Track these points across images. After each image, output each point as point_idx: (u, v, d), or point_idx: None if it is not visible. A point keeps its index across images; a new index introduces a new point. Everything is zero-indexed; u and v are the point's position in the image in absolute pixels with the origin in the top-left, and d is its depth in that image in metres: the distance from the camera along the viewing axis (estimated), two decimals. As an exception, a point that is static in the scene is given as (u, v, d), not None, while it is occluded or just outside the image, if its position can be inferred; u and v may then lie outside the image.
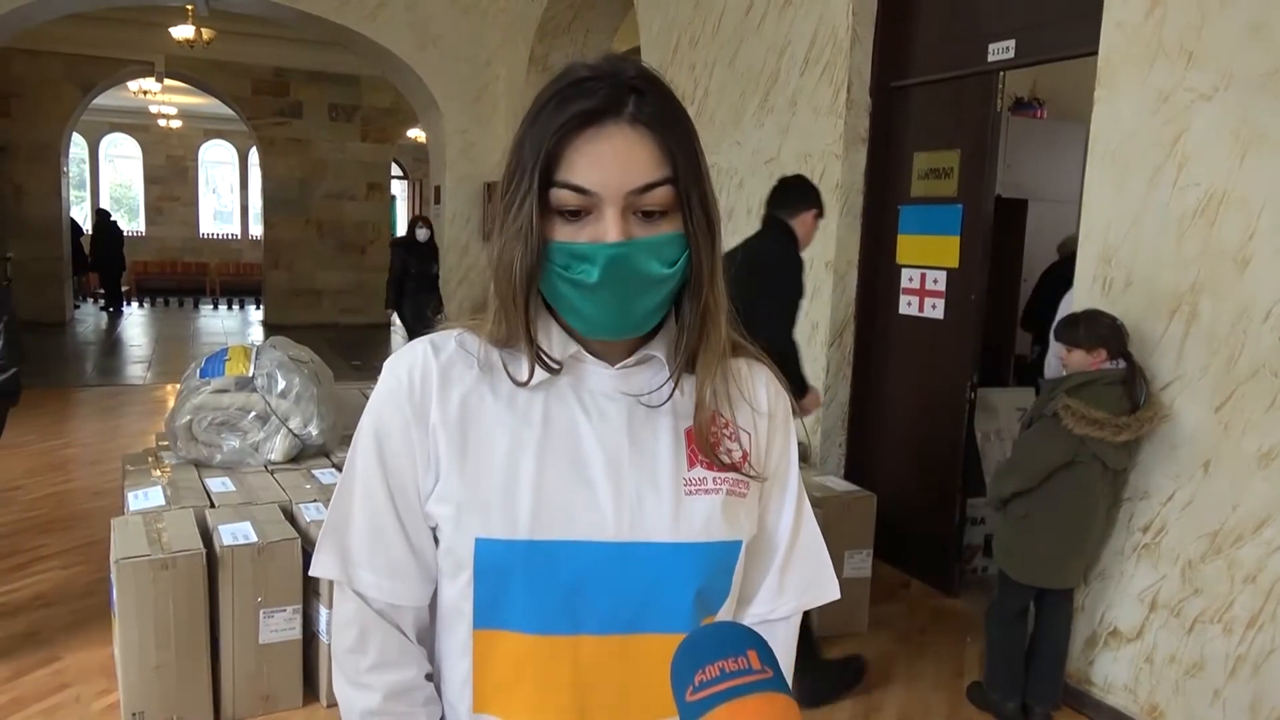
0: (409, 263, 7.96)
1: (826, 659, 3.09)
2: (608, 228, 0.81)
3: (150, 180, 18.81)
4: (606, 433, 0.88)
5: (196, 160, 19.12)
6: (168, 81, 12.53)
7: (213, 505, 3.02)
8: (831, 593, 1.01)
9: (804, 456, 4.16)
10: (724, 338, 0.90)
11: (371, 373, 0.95)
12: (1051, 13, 3.36)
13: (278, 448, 3.43)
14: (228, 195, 20.19)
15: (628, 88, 0.82)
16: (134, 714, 2.62)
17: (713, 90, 4.97)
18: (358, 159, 12.88)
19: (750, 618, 0.98)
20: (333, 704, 2.75)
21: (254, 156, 15.12)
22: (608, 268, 0.81)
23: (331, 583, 0.94)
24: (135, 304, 15.73)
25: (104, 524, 3.28)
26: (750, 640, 0.66)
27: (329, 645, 2.41)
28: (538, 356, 0.87)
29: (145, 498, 3.03)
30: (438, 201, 8.82)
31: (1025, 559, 2.82)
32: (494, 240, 0.86)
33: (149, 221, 18.83)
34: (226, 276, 17.88)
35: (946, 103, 3.88)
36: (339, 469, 0.87)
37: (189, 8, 8.76)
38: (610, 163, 0.81)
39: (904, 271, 4.09)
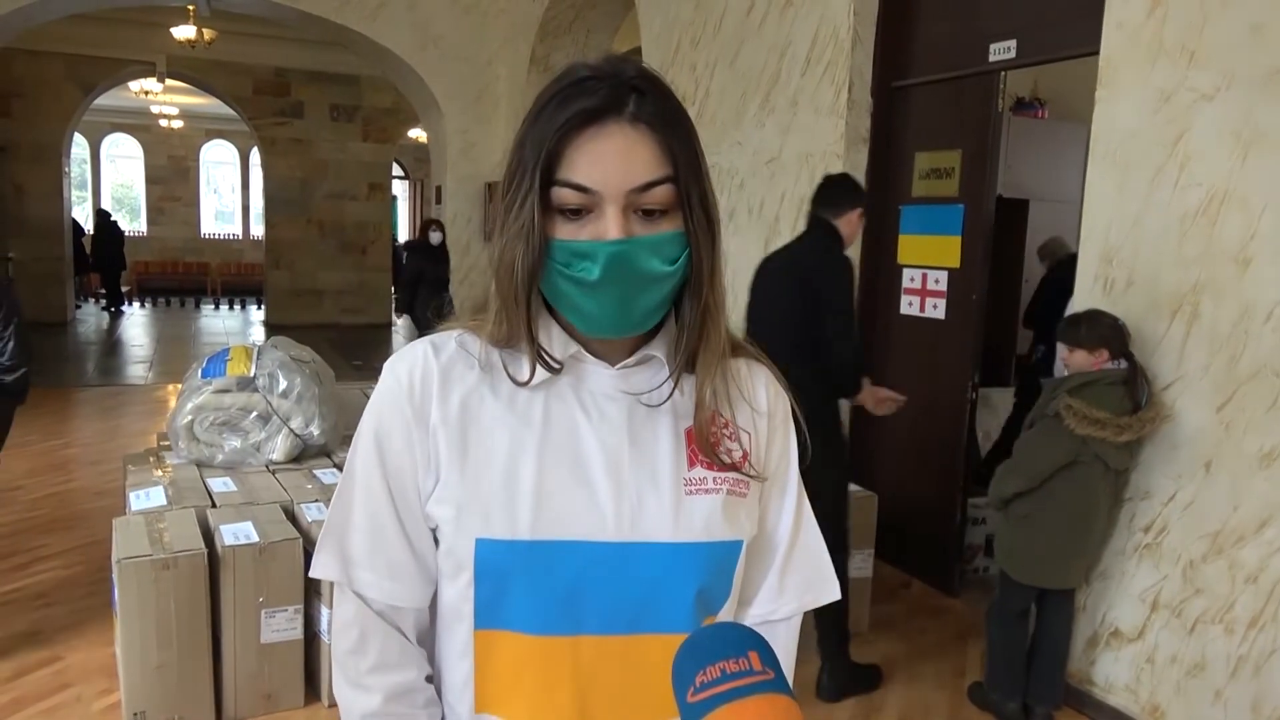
0: (424, 268, 7.87)
1: (852, 660, 3.10)
2: (608, 225, 0.81)
3: (151, 180, 18.82)
4: (606, 433, 0.88)
5: (198, 160, 19.13)
6: (169, 82, 12.53)
7: (214, 505, 3.02)
8: (832, 593, 1.01)
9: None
10: (724, 337, 0.91)
11: (372, 373, 0.95)
12: (1053, 13, 3.36)
13: (279, 448, 3.43)
14: (229, 195, 20.20)
15: (628, 87, 0.82)
16: (135, 714, 2.62)
17: (714, 90, 4.97)
18: (359, 159, 12.89)
19: (751, 618, 0.98)
20: (334, 704, 2.75)
21: (255, 156, 15.13)
22: (609, 265, 0.81)
23: (332, 583, 0.94)
24: (137, 304, 15.74)
25: (105, 524, 3.28)
26: (752, 641, 0.66)
27: (330, 645, 2.41)
28: (539, 355, 0.87)
29: (147, 498, 3.03)
30: (439, 201, 8.82)
31: (1026, 559, 2.82)
32: (495, 240, 0.86)
33: (150, 221, 18.85)
34: (228, 276, 17.89)
35: (948, 103, 3.88)
36: (340, 469, 0.87)
37: (190, 8, 8.76)
38: (611, 161, 0.81)
39: (905, 271, 4.09)
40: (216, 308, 15.93)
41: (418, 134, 13.83)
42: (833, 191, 3.09)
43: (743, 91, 4.74)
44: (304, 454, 3.54)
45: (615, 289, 0.82)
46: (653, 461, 0.89)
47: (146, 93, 12.86)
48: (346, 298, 12.99)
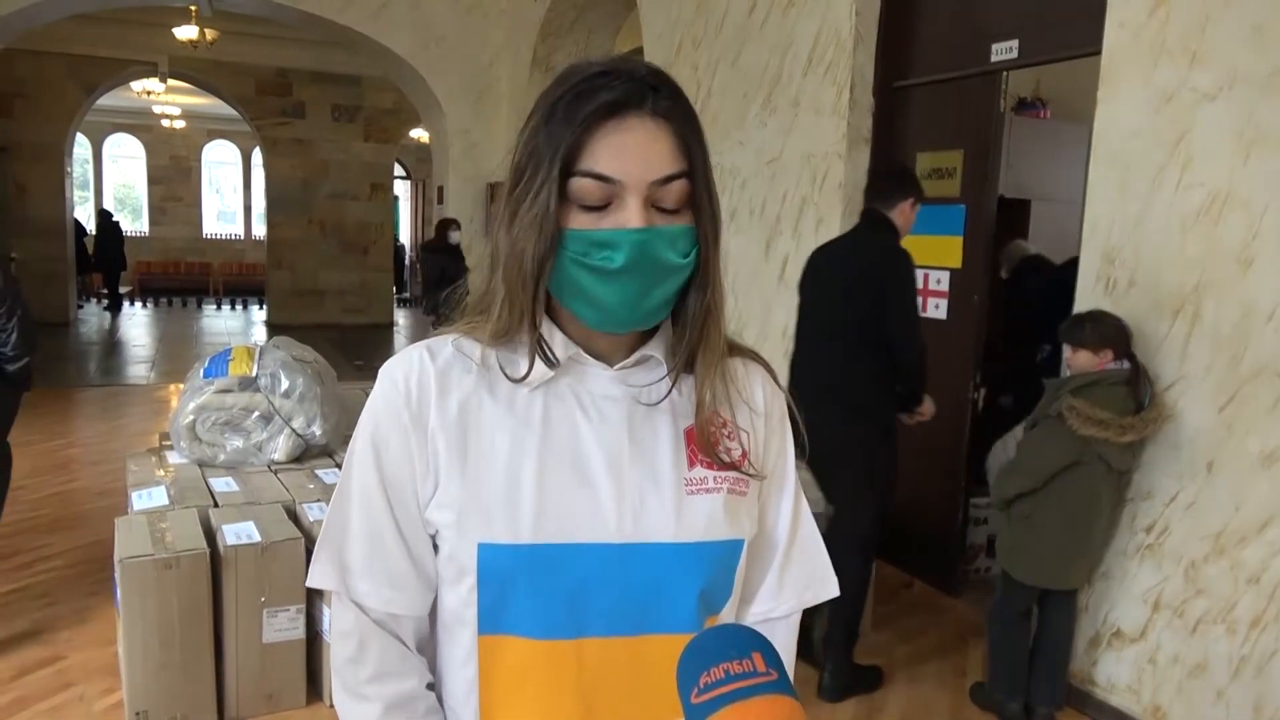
0: (445, 266, 7.81)
1: (854, 661, 3.10)
2: (630, 215, 0.81)
3: (154, 180, 18.84)
4: (607, 434, 0.88)
5: (200, 160, 19.16)
6: (171, 82, 12.54)
7: (216, 505, 3.03)
8: (830, 590, 1.01)
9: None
10: (723, 336, 0.91)
11: (374, 373, 0.94)
12: (1054, 13, 3.36)
13: (281, 447, 3.44)
14: (231, 195, 20.22)
15: (645, 83, 0.83)
16: (138, 713, 2.62)
17: (715, 90, 4.97)
18: (360, 159, 12.89)
19: (751, 617, 0.98)
20: (336, 704, 2.75)
21: (257, 157, 15.15)
22: (633, 252, 0.80)
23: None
24: (138, 304, 15.76)
25: (107, 524, 3.29)
26: (755, 643, 0.66)
27: (329, 651, 2.41)
28: (539, 347, 0.86)
29: (149, 497, 3.04)
30: (440, 202, 8.82)
31: (1029, 560, 2.81)
32: (502, 233, 0.85)
33: (152, 222, 18.87)
34: (229, 276, 17.91)
35: (949, 103, 3.88)
36: (342, 468, 0.86)
37: (192, 8, 8.77)
38: (633, 153, 0.81)
39: (907, 272, 4.08)
40: (218, 308, 15.95)
41: (419, 134, 13.84)
42: (883, 183, 3.07)
43: (744, 92, 4.74)
44: (306, 454, 3.54)
45: (635, 279, 0.82)
46: (653, 462, 0.89)
47: (149, 93, 12.87)
48: (348, 298, 13.00)
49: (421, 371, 0.88)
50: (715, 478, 0.90)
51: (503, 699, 0.88)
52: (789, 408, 1.00)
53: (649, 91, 0.82)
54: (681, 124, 0.83)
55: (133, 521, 2.85)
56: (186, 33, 9.31)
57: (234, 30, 10.33)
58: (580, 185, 0.81)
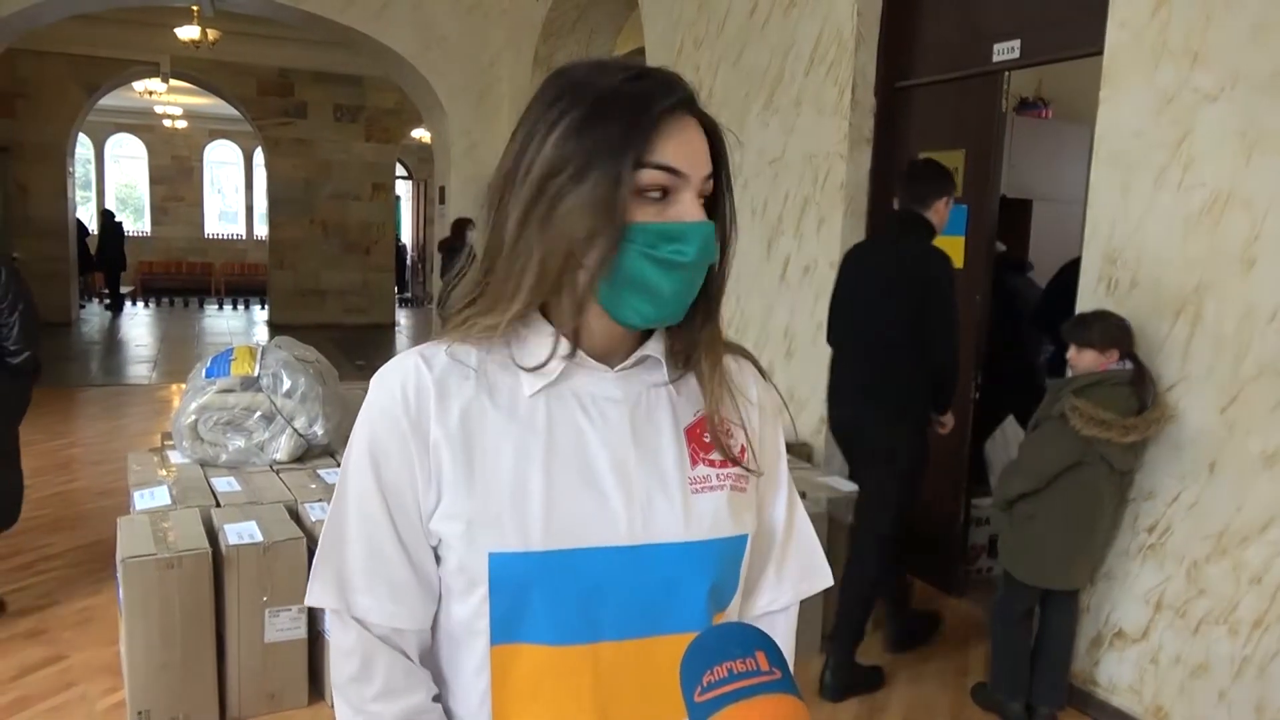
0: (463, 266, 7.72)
1: (856, 661, 3.10)
2: (687, 209, 0.83)
3: (155, 180, 18.85)
4: (610, 436, 0.88)
5: (201, 160, 19.17)
6: (173, 82, 12.55)
7: (218, 505, 3.03)
8: (825, 580, 1.03)
9: (808, 456, 4.16)
10: (721, 335, 0.92)
11: (375, 372, 0.93)
12: (1056, 13, 3.36)
13: (283, 447, 3.44)
14: (232, 195, 20.23)
15: (685, 84, 0.86)
16: (140, 712, 2.62)
17: (717, 90, 4.97)
18: (362, 159, 12.90)
19: (754, 611, 0.99)
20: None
21: (259, 157, 15.15)
22: (702, 245, 0.84)
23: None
24: (140, 303, 15.76)
25: (109, 523, 3.29)
26: (758, 641, 0.67)
27: (330, 671, 2.41)
28: (559, 338, 0.86)
29: (151, 497, 3.04)
30: (442, 202, 8.82)
31: (1031, 560, 2.81)
32: (528, 228, 0.85)
33: (154, 222, 18.88)
34: (231, 276, 17.91)
35: (951, 103, 3.88)
36: (337, 484, 0.84)
37: (194, 9, 8.77)
38: (692, 148, 0.84)
39: (908, 272, 4.08)
40: (220, 307, 15.96)
41: (421, 134, 13.84)
42: (916, 184, 3.04)
43: (746, 92, 4.74)
44: (308, 454, 3.55)
45: (696, 270, 0.85)
46: (658, 462, 0.89)
47: (150, 93, 12.89)
48: (350, 298, 13.01)
49: (418, 379, 0.87)
50: (718, 475, 0.91)
51: (517, 708, 0.87)
52: (781, 402, 1.02)
53: (693, 93, 0.86)
54: (713, 126, 0.88)
55: (135, 521, 2.85)
56: (188, 33, 9.31)
57: (236, 30, 10.33)
58: (649, 176, 0.82)
